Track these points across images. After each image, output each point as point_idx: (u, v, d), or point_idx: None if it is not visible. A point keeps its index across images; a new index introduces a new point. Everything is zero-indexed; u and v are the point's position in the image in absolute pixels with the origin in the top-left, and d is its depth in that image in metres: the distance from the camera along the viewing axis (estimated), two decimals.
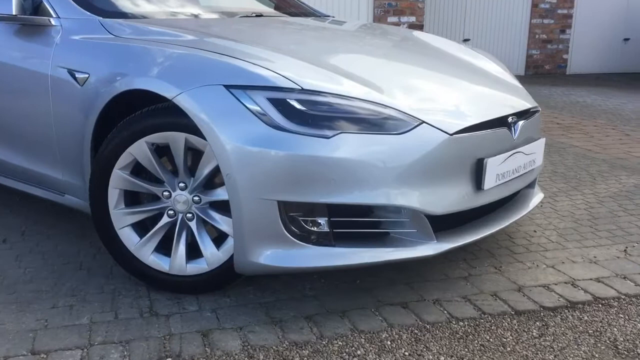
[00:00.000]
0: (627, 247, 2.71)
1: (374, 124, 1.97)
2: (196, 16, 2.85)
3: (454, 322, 2.05)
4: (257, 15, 3.05)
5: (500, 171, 2.22)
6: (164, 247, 2.16)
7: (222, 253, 2.08)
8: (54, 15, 2.43)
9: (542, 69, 10.04)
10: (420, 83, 2.31)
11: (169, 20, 2.67)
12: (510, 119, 2.29)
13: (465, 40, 9.23)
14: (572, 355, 1.88)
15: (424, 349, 1.89)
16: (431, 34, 3.48)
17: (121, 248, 2.18)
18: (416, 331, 1.99)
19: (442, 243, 2.09)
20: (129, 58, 2.19)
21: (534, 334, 1.99)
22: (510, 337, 1.97)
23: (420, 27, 8.32)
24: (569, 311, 2.14)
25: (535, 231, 2.88)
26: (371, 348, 1.89)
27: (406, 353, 1.87)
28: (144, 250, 2.16)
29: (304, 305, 2.14)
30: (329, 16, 3.57)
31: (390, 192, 1.95)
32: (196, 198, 2.10)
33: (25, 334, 1.93)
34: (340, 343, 1.91)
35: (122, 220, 2.16)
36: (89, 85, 2.23)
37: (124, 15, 2.55)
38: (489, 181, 2.17)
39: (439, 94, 2.24)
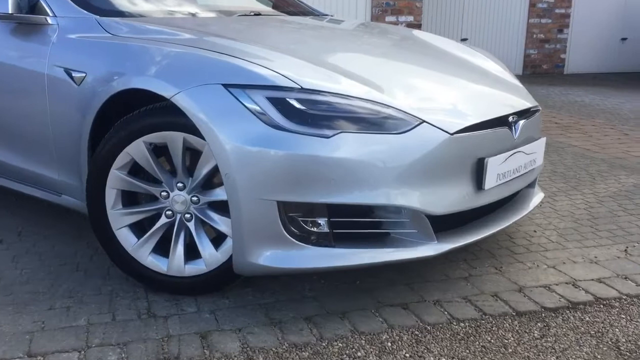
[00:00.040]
0: (627, 247, 2.70)
1: (374, 123, 1.96)
2: (194, 15, 2.83)
3: (454, 323, 2.04)
4: (255, 14, 3.03)
5: (501, 171, 2.21)
6: (162, 248, 2.14)
7: (220, 254, 2.06)
8: (50, 14, 2.41)
9: (540, 68, 10.05)
10: (420, 82, 2.30)
11: (167, 19, 2.65)
12: (510, 119, 2.28)
13: (463, 40, 9.22)
14: (574, 357, 1.87)
15: (425, 350, 1.88)
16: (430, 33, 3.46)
17: (119, 249, 2.16)
18: (417, 332, 1.98)
19: (443, 243, 2.07)
20: (127, 57, 2.17)
21: (536, 335, 1.98)
22: (512, 338, 1.95)
23: (418, 26, 8.30)
24: (570, 312, 2.13)
25: (535, 231, 2.86)
26: (371, 349, 1.88)
27: (407, 354, 1.86)
28: (142, 251, 2.14)
29: (303, 306, 2.13)
30: (327, 15, 3.55)
31: (390, 192, 1.94)
32: (194, 198, 2.08)
33: (22, 336, 1.91)
34: (340, 344, 1.90)
35: (120, 220, 2.15)
36: (86, 85, 2.21)
37: (121, 13, 2.53)
38: (490, 181, 2.16)
39: (439, 94, 2.23)
